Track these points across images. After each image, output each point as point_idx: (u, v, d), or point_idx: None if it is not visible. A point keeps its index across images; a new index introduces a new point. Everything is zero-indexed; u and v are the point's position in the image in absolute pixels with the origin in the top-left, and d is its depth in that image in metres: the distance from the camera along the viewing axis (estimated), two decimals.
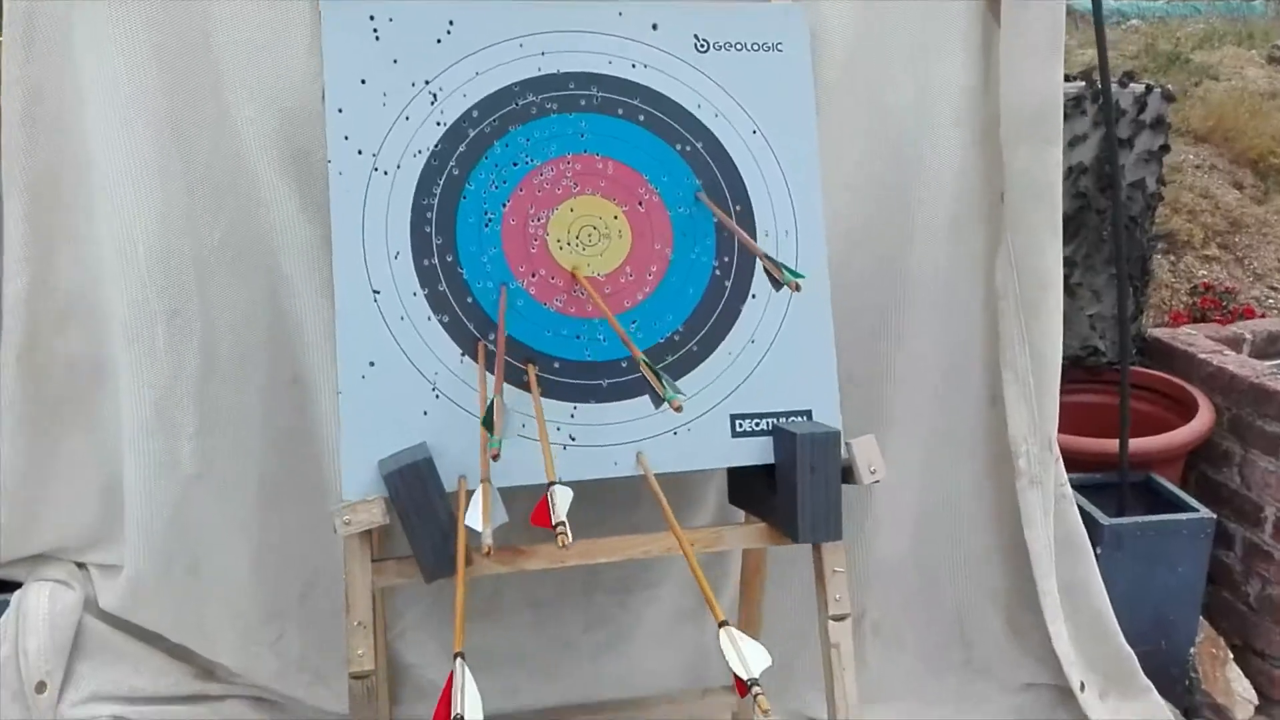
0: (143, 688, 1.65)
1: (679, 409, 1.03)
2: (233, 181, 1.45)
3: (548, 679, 1.78)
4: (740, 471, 1.43)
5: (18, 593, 1.63)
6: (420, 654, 1.74)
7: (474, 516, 1.02)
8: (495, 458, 1.07)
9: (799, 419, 1.37)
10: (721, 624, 0.89)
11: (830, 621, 1.41)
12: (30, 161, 1.44)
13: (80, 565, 1.68)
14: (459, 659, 0.92)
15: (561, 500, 1.01)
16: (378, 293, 1.31)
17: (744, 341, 1.38)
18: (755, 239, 1.40)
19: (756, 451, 1.36)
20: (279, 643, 1.69)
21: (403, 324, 1.31)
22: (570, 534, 0.97)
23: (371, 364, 1.30)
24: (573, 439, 1.33)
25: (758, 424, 1.37)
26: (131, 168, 1.40)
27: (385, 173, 1.32)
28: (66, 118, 1.45)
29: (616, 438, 1.34)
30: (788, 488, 1.32)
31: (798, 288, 1.07)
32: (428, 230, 1.33)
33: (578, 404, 1.34)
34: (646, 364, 1.12)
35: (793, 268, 1.21)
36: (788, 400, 1.38)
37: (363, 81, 1.32)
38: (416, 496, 1.22)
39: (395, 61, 1.33)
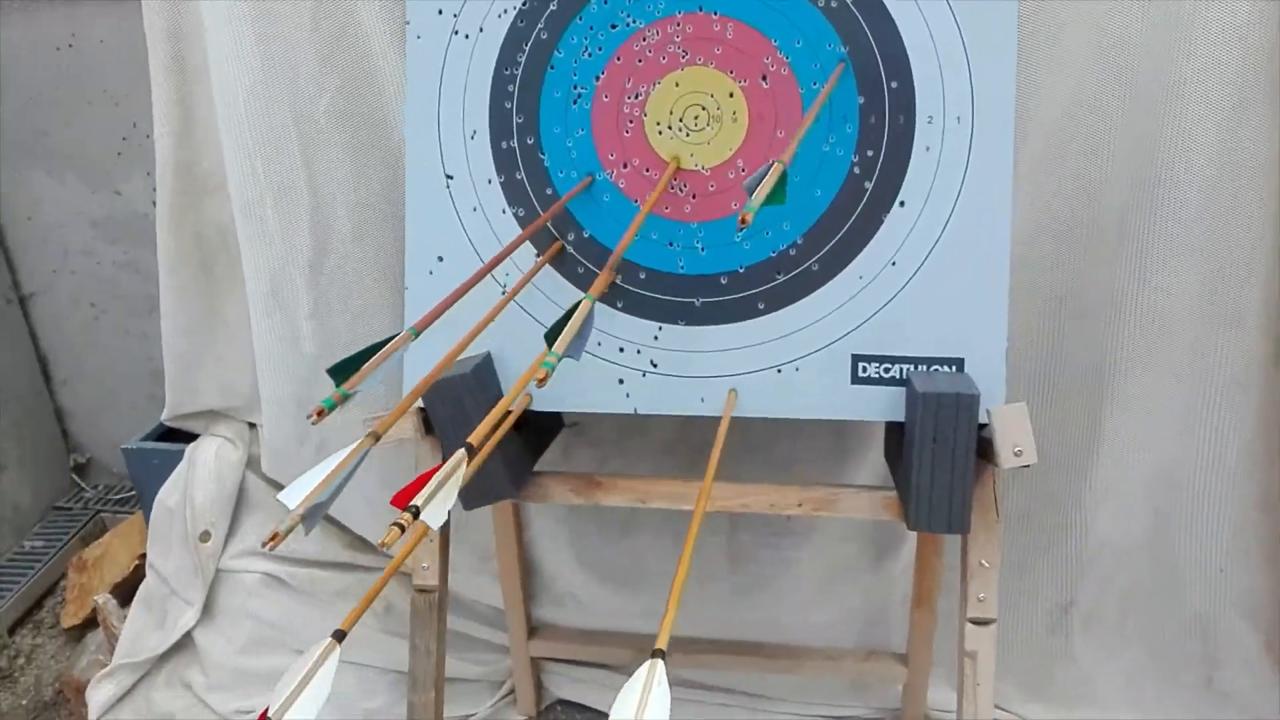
0: (297, 550, 1.69)
1: (745, 223, 0.77)
2: (339, 48, 1.33)
3: (688, 609, 1.62)
4: (895, 423, 1.14)
5: (191, 445, 1.71)
6: (555, 562, 1.64)
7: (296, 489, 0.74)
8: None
9: (942, 369, 1.06)
10: (655, 653, 0.67)
11: (969, 625, 1.11)
12: (165, 23, 1.41)
13: (251, 425, 1.74)
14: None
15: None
16: (451, 178, 1.15)
17: (882, 263, 1.08)
18: (914, 124, 1.07)
19: (882, 405, 1.07)
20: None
21: (475, 216, 1.15)
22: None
23: (440, 258, 1.15)
24: (654, 365, 1.12)
25: (887, 370, 1.07)
26: (232, 32, 1.32)
27: (466, 36, 1.14)
28: None
29: (707, 369, 1.11)
30: (905, 458, 1.03)
31: (745, 221, 0.77)
32: (508, 106, 1.14)
33: (663, 324, 1.12)
34: None
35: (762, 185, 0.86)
36: (932, 344, 1.06)
37: None
38: (454, 413, 1.08)
39: None
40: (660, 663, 0.66)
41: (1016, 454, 0.98)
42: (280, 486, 1.70)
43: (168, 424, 1.74)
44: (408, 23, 1.15)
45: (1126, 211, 1.26)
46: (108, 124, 1.95)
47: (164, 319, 1.60)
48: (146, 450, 1.73)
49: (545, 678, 1.71)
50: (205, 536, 1.67)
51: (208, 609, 1.67)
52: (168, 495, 1.68)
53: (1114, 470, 1.38)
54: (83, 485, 2.31)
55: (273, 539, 0.61)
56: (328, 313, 1.45)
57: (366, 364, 0.74)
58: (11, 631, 1.97)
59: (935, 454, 1.00)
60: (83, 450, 2.32)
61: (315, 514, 0.65)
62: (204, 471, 1.67)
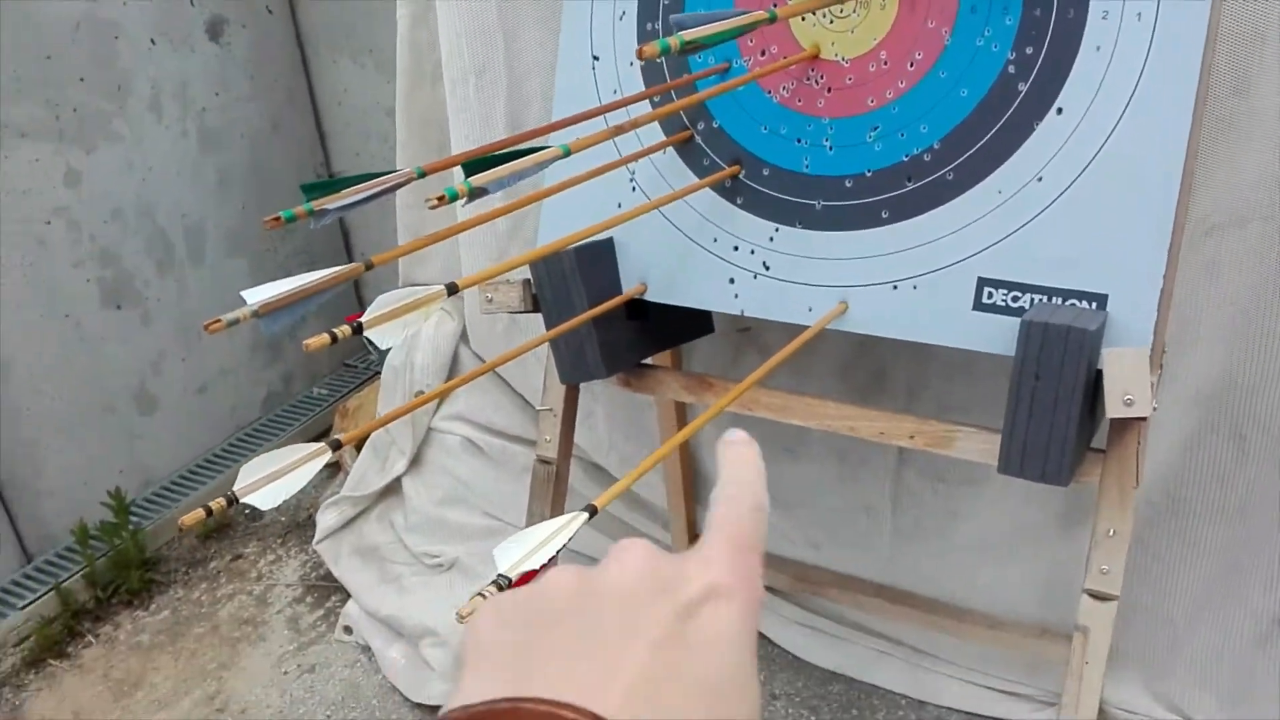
0: (497, 423, 1.81)
1: (641, 55, 0.73)
2: None
3: (848, 545, 1.56)
4: None
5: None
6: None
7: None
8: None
9: (1080, 305, 0.91)
10: (589, 508, 0.65)
11: (1086, 598, 0.98)
12: None
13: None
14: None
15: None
16: (597, 59, 1.15)
17: (1026, 177, 0.94)
18: (1086, 19, 0.91)
19: (1006, 337, 0.94)
20: (589, 419, 1.71)
21: (614, 98, 1.14)
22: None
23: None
24: (765, 267, 1.06)
25: (1016, 299, 0.94)
26: None
27: None
28: None
29: (820, 277, 1.04)
30: (1009, 396, 0.90)
31: (641, 55, 0.68)
32: None
33: (780, 225, 1.06)
34: None
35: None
36: (1073, 274, 0.92)
37: None
38: (559, 293, 1.10)
39: None
40: (582, 517, 0.64)
41: (1127, 403, 0.83)
42: (483, 361, 1.82)
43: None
44: None
45: None
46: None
47: (397, 196, 1.75)
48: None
49: None
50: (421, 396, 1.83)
51: (416, 461, 1.84)
52: (394, 356, 1.86)
53: None
54: (369, 349, 2.61)
55: (215, 323, 0.66)
56: (519, 191, 1.51)
57: (348, 189, 0.76)
58: None
59: (1037, 392, 0.87)
60: None
61: (277, 320, 0.69)
62: (424, 339, 1.83)
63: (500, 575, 0.58)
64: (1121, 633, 1.40)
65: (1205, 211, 1.12)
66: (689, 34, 0.74)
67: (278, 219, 0.72)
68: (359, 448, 1.96)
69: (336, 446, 0.73)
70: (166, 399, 2.10)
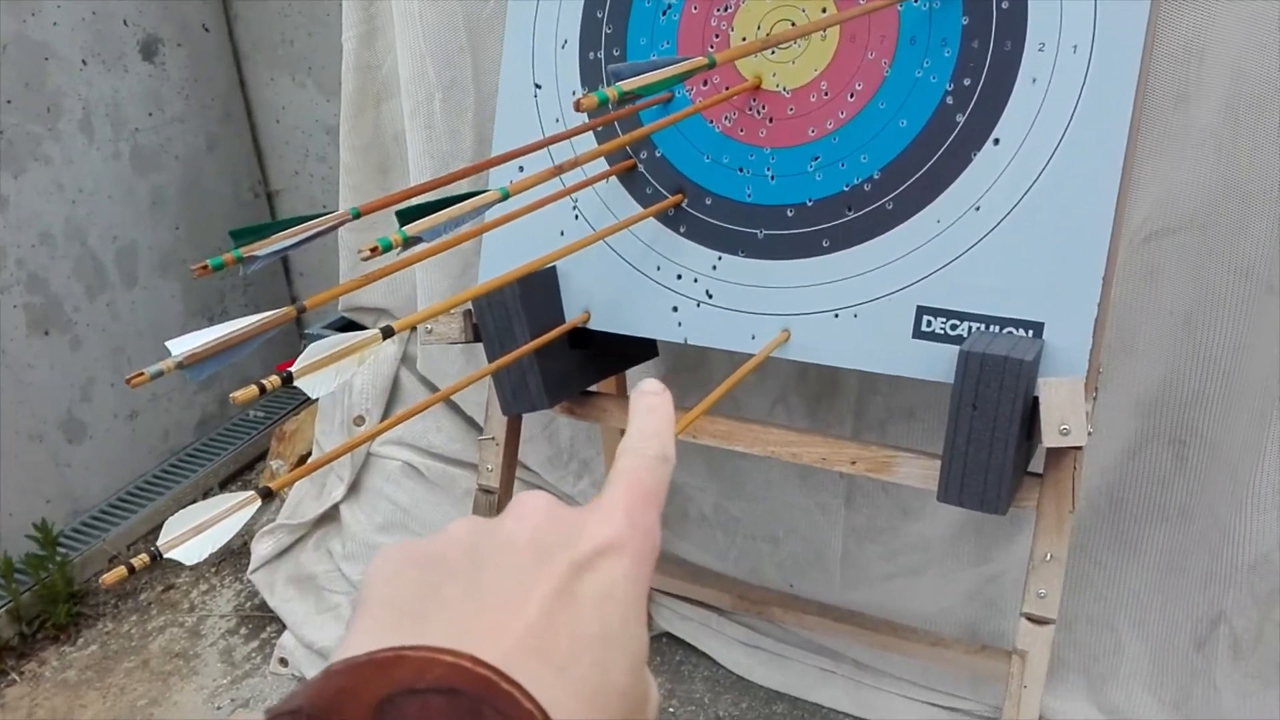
0: (438, 445, 1.78)
1: (579, 108, 0.73)
2: None
3: (804, 542, 1.56)
4: None
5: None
6: (688, 473, 1.62)
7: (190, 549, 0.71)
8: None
9: (1017, 333, 0.93)
10: (264, 491, 0.66)
11: (1024, 621, 0.99)
12: None
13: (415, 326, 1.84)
14: None
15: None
16: (539, 87, 1.15)
17: (964, 206, 0.95)
18: (1023, 51, 0.93)
19: (944, 365, 0.96)
20: (551, 426, 1.69)
21: (556, 128, 1.14)
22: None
23: (520, 169, 1.15)
24: (709, 295, 1.07)
25: (954, 327, 0.96)
26: None
27: None
28: None
29: (763, 305, 1.04)
30: (948, 425, 0.92)
31: (579, 107, 0.68)
32: (600, 15, 1.11)
33: (723, 254, 1.06)
34: None
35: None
36: (1009, 303, 0.93)
37: None
38: (501, 323, 1.09)
39: None
40: (256, 501, 0.65)
41: (1063, 433, 0.85)
42: (430, 385, 1.80)
43: (344, 315, 1.88)
44: None
45: None
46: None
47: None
48: (323, 338, 1.88)
49: (654, 609, 1.71)
50: (359, 421, 1.80)
51: (355, 487, 1.81)
52: None
53: None
54: None
55: (137, 376, 0.64)
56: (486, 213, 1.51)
57: (279, 234, 0.75)
58: (224, 485, 2.23)
59: (974, 421, 0.88)
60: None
61: (203, 369, 0.68)
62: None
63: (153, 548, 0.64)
64: (1064, 641, 1.43)
65: (1144, 219, 1.15)
66: (627, 84, 0.74)
67: (205, 267, 0.70)
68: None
69: (267, 495, 0.71)
70: (96, 426, 2.04)
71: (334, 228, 0.77)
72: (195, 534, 0.71)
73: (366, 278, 0.82)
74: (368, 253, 0.71)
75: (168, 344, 0.67)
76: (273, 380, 0.67)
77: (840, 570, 1.54)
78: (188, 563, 0.72)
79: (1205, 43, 1.05)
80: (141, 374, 0.64)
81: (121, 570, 0.66)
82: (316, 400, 2.22)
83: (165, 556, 0.70)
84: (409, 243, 0.74)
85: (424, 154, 1.52)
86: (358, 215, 0.79)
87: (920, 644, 1.44)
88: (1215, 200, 1.12)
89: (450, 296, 1.59)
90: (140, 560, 0.68)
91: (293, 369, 0.69)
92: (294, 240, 0.75)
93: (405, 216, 0.75)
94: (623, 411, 1.17)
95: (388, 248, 0.72)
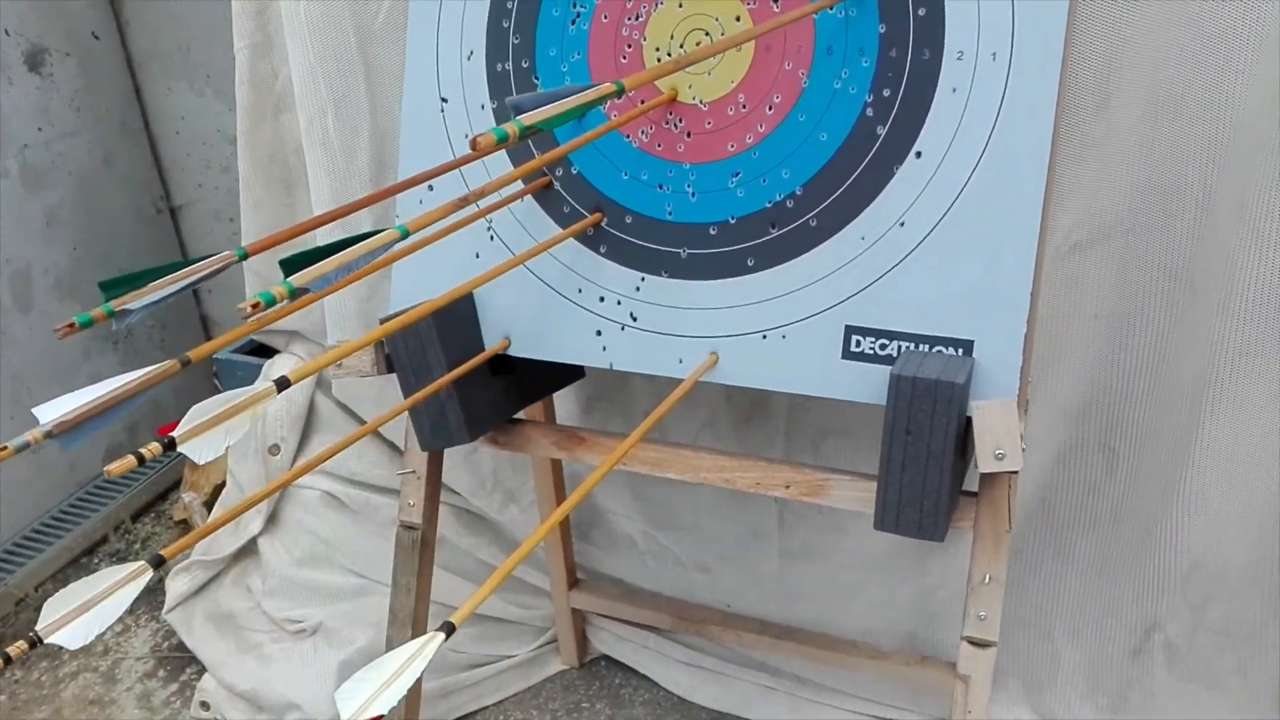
0: (359, 473, 1.71)
1: (475, 147, 0.68)
2: None
3: (738, 569, 1.53)
4: None
5: (268, 362, 1.76)
6: (612, 498, 1.58)
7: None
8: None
9: (946, 351, 0.90)
10: (445, 626, 0.59)
11: (965, 645, 0.97)
12: None
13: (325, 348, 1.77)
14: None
15: None
16: (445, 101, 1.09)
17: (889, 222, 0.92)
18: (941, 60, 0.90)
19: (874, 385, 0.93)
20: (472, 456, 1.64)
21: (465, 143, 1.08)
22: None
23: (430, 188, 1.10)
24: (633, 318, 1.02)
25: (884, 346, 0.93)
26: None
27: None
28: None
29: (689, 327, 1.00)
30: (882, 451, 0.88)
31: (475, 146, 0.64)
32: (506, 25, 1.06)
33: (646, 275, 1.02)
34: None
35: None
36: (938, 320, 0.91)
37: None
38: (415, 355, 1.03)
39: None
40: (438, 639, 0.59)
41: (998, 457, 0.82)
42: (347, 409, 1.73)
43: (253, 338, 1.80)
44: None
45: (1250, 176, 1.03)
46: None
47: (243, 235, 1.65)
48: (235, 361, 1.80)
49: (591, 631, 1.67)
50: (275, 450, 1.73)
51: (272, 519, 1.73)
52: None
53: (1210, 481, 1.16)
54: (222, 392, 2.46)
55: (2, 450, 0.58)
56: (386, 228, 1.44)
57: (154, 283, 0.69)
58: (135, 518, 2.13)
59: (909, 447, 0.85)
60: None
61: (78, 436, 0.61)
62: None
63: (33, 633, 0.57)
64: (1001, 648, 1.41)
65: (1069, 227, 1.14)
66: (528, 118, 0.69)
67: (72, 325, 0.63)
68: (209, 505, 1.83)
69: (158, 563, 0.65)
70: None
71: (217, 271, 0.71)
72: (80, 613, 0.65)
73: (258, 322, 0.75)
74: (249, 309, 0.65)
75: (35, 410, 0.60)
76: (152, 448, 0.60)
77: (778, 590, 1.51)
78: (72, 646, 0.65)
79: (1123, 45, 1.04)
80: (5, 447, 0.58)
81: None
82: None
83: (46, 641, 0.64)
84: (294, 295, 0.68)
85: (321, 171, 1.44)
86: (245, 257, 0.73)
87: (860, 657, 1.42)
88: (1138, 203, 1.11)
89: (358, 317, 1.55)
90: (18, 649, 0.61)
91: (175, 434, 0.62)
92: (173, 288, 0.69)
93: (291, 265, 0.69)
94: (549, 441, 1.13)
95: (270, 302, 0.66)
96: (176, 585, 1.75)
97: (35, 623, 1.71)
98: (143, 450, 0.60)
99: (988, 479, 0.92)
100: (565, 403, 1.46)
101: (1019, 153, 0.88)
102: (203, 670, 1.67)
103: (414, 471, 1.19)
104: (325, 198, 1.45)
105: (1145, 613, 1.29)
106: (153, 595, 1.91)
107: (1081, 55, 1.04)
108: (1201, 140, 1.06)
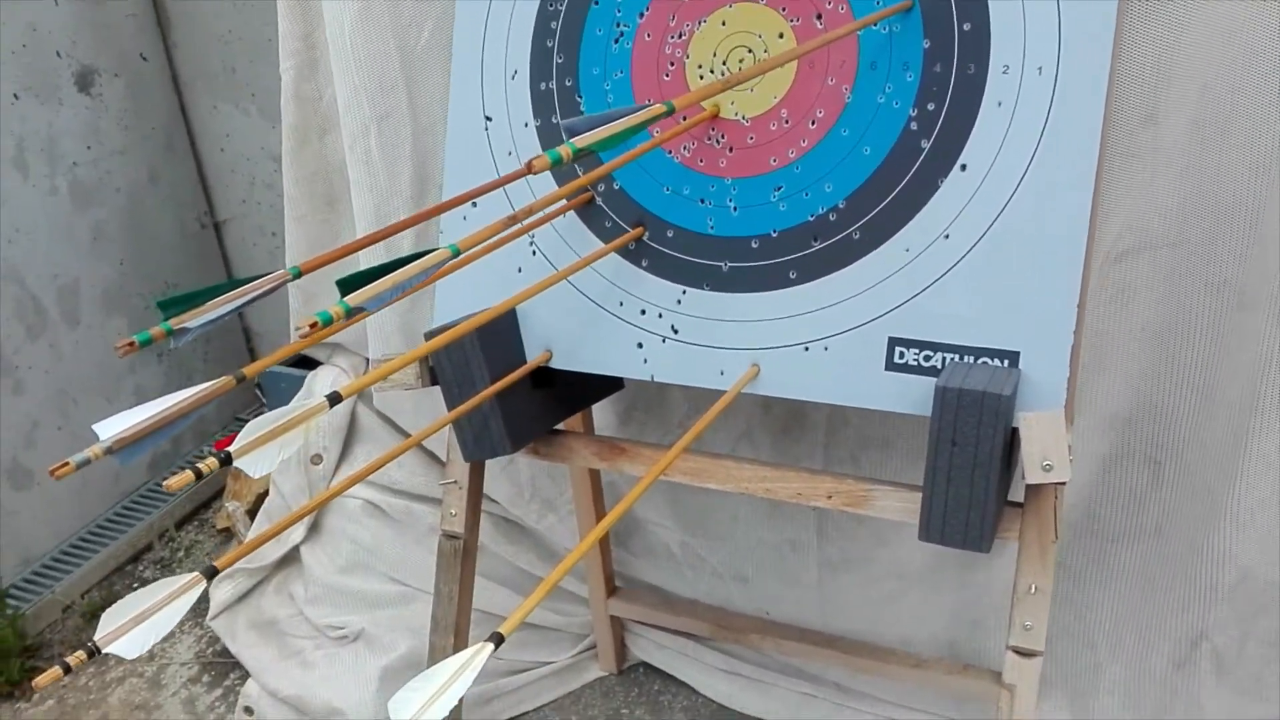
0: (400, 481, 1.73)
1: (531, 169, 0.69)
2: None
3: (776, 579, 1.53)
4: None
5: (311, 374, 1.79)
6: (649, 508, 1.59)
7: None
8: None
9: (992, 363, 0.90)
10: (493, 637, 0.60)
11: (1010, 654, 0.97)
12: None
13: (368, 360, 1.79)
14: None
15: None
16: (490, 119, 1.11)
17: (933, 234, 0.93)
18: (987, 75, 0.91)
19: (918, 397, 0.93)
20: (510, 466, 1.65)
21: (509, 161, 1.10)
22: None
23: (474, 204, 1.11)
24: (674, 331, 1.03)
25: (928, 358, 0.93)
26: None
27: None
28: None
29: (730, 339, 1.01)
30: (927, 463, 0.89)
31: (531, 168, 0.65)
32: (550, 45, 1.07)
33: (688, 288, 1.03)
34: None
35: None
36: (984, 332, 0.91)
37: None
38: (459, 368, 1.05)
39: None
40: (487, 649, 0.60)
41: (1046, 468, 0.82)
42: (387, 420, 1.75)
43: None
44: None
45: None
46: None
47: (287, 250, 1.67)
48: (278, 374, 1.83)
49: (629, 638, 1.68)
50: (317, 459, 1.75)
51: (315, 528, 1.76)
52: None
53: (1259, 495, 1.15)
54: (264, 402, 2.49)
55: (62, 467, 0.59)
56: (430, 244, 1.46)
57: (211, 301, 0.70)
58: (179, 526, 2.16)
59: (954, 458, 0.86)
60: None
61: (136, 451, 0.63)
62: (318, 397, 1.74)
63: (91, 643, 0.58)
64: (1045, 657, 1.41)
65: (1116, 237, 1.14)
66: (581, 140, 0.70)
67: (132, 344, 0.65)
68: (252, 514, 1.86)
69: (212, 574, 0.67)
70: (43, 471, 1.96)
71: (272, 290, 0.72)
72: (136, 624, 0.67)
73: (311, 339, 0.77)
74: (307, 329, 0.67)
75: (95, 427, 0.62)
76: (209, 463, 0.62)
77: (817, 599, 1.51)
78: (129, 656, 0.67)
79: (1172, 61, 1.04)
80: (67, 464, 0.60)
81: (56, 672, 0.61)
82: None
83: (104, 651, 0.66)
84: (351, 314, 0.70)
85: (364, 188, 1.47)
86: (299, 275, 0.74)
87: (902, 666, 1.42)
88: (1186, 217, 1.11)
89: (399, 331, 1.57)
90: (77, 659, 0.63)
91: (231, 449, 0.64)
92: (229, 307, 0.71)
93: (347, 285, 0.70)
94: (589, 451, 1.14)
95: (328, 322, 0.67)
96: (220, 592, 1.78)
97: (82, 629, 1.74)
98: (200, 465, 0.62)
99: (1034, 490, 0.92)
100: (603, 413, 1.47)
101: (1066, 165, 0.88)
102: (246, 676, 1.69)
103: (456, 482, 1.20)
104: (368, 214, 1.48)
105: (1191, 624, 1.28)
106: (197, 602, 1.93)
107: (1128, 69, 1.04)
108: (1249, 161, 1.06)
